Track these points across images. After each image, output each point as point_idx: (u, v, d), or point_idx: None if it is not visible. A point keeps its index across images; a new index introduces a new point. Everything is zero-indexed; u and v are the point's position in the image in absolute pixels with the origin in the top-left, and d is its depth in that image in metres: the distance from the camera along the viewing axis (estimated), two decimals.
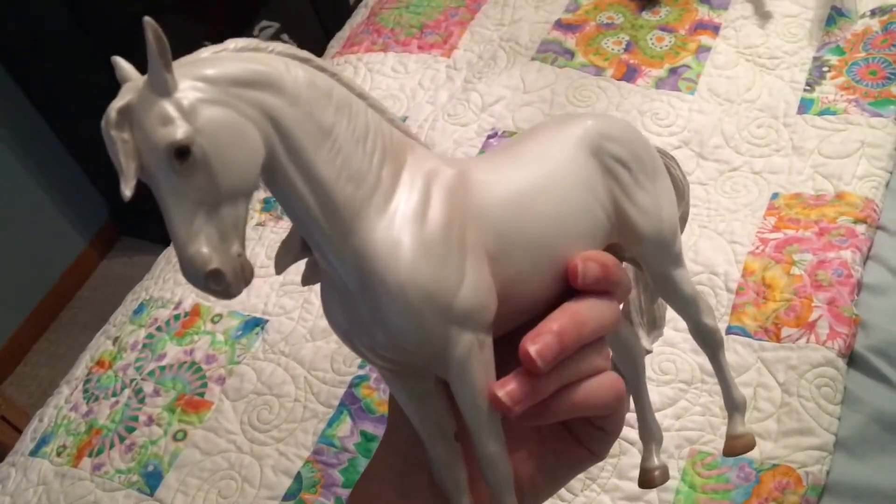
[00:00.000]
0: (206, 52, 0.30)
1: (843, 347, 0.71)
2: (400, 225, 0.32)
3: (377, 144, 0.33)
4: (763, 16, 1.01)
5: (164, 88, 0.28)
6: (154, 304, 0.94)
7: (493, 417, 0.33)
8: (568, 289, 0.35)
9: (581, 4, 1.11)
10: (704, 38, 1.01)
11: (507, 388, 0.32)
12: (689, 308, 0.43)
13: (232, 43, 0.30)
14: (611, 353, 0.37)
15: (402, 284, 0.31)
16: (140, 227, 1.99)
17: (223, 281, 0.29)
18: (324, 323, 0.84)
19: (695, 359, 0.74)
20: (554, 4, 1.12)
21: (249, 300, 0.89)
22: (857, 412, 0.69)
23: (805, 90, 0.93)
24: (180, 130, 0.28)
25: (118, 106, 0.28)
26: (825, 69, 0.94)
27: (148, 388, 0.86)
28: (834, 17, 0.99)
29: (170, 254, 1.01)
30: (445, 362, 0.33)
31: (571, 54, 1.04)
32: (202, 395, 0.83)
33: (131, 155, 0.28)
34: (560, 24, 1.09)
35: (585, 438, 0.38)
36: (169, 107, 0.28)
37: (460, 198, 0.33)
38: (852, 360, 0.71)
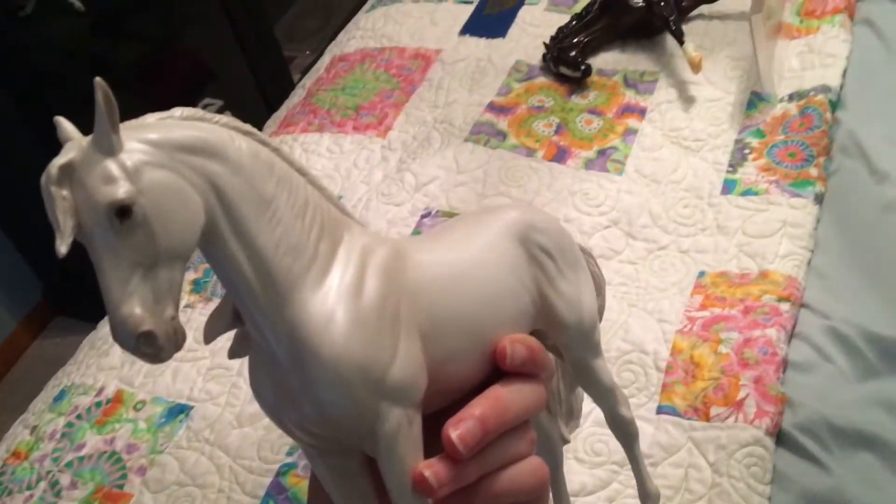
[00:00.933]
0: (151, 118, 0.31)
1: (770, 426, 0.71)
2: (335, 299, 0.32)
3: (315, 219, 0.33)
4: (686, 100, 1.05)
5: (109, 148, 0.28)
6: (75, 390, 0.90)
7: (421, 498, 0.33)
8: (496, 370, 0.36)
9: (513, 88, 1.13)
10: (631, 121, 1.04)
11: (433, 469, 0.32)
12: (607, 398, 0.44)
13: (178, 111, 0.31)
14: (535, 437, 0.37)
15: (335, 357, 0.31)
16: (75, 305, 1.94)
17: (155, 343, 0.28)
18: (252, 408, 0.82)
19: None
20: (487, 88, 1.14)
21: (175, 385, 0.87)
22: (786, 491, 0.69)
23: (728, 171, 0.95)
24: (122, 189, 0.28)
25: (60, 163, 0.28)
26: (747, 151, 0.97)
27: (65, 480, 0.82)
28: (754, 101, 1.02)
29: (94, 338, 0.98)
30: (374, 438, 0.33)
31: (504, 136, 1.06)
32: (121, 486, 0.80)
33: (69, 212, 0.28)
34: (493, 107, 1.11)
35: None
36: (113, 166, 0.28)
37: (394, 275, 0.34)
38: (780, 438, 0.72)
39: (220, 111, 2.03)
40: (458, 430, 0.33)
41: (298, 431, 0.34)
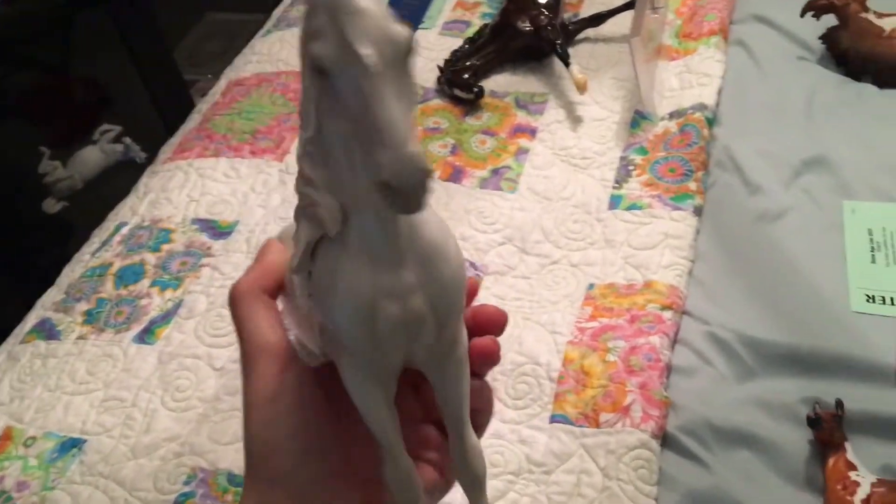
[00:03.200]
0: None
1: (655, 429, 0.75)
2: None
3: None
4: (574, 120, 1.09)
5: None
6: None
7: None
8: None
9: None
10: (523, 141, 1.07)
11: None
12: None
13: None
14: None
15: (459, 263, 0.37)
16: None
17: (431, 184, 0.30)
18: (147, 439, 0.81)
19: (521, 449, 0.76)
20: None
21: (66, 419, 0.84)
22: (672, 491, 0.72)
23: (614, 187, 0.99)
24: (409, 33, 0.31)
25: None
26: (631, 168, 1.01)
27: None
28: (637, 120, 1.07)
29: None
30: (452, 346, 0.39)
31: None
32: None
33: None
34: None
35: None
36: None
37: None
38: (665, 440, 0.75)
39: (118, 137, 1.99)
40: None
41: (389, 329, 0.36)
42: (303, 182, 0.37)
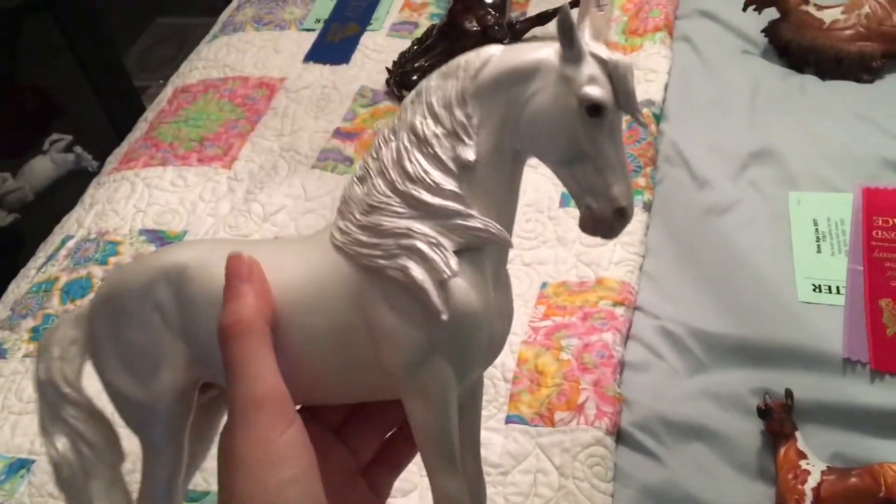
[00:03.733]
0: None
1: (609, 426, 0.75)
2: None
3: None
4: None
5: (580, 57, 0.38)
6: None
7: None
8: None
9: (358, 113, 1.15)
10: None
11: None
12: None
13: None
14: None
15: None
16: None
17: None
18: None
19: None
20: (332, 114, 1.15)
21: (14, 440, 0.82)
22: (628, 487, 0.72)
23: None
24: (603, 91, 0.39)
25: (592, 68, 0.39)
26: None
27: None
28: None
29: None
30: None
31: (351, 161, 1.08)
32: None
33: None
34: (339, 133, 1.12)
35: None
36: (593, 71, 0.39)
37: None
38: (619, 437, 0.76)
39: (69, 146, 1.95)
40: None
41: (496, 344, 0.42)
42: (419, 211, 0.39)
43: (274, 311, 0.40)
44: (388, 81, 1.17)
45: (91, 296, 0.96)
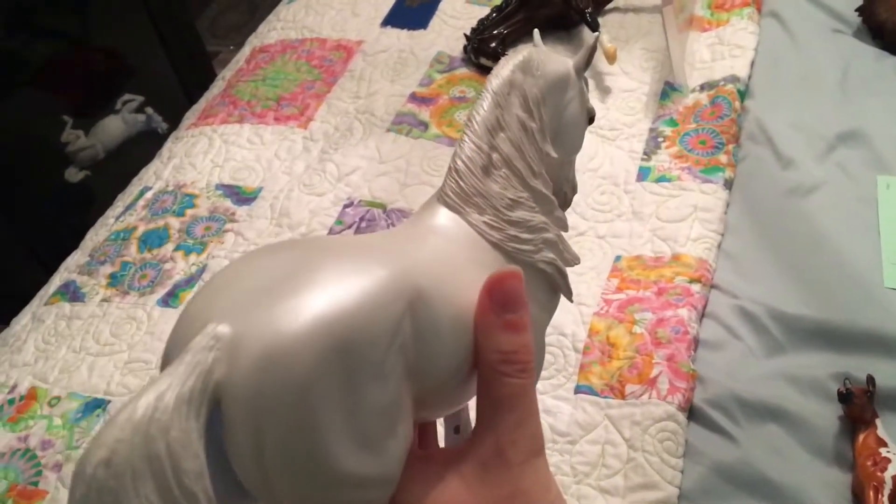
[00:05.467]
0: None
1: (682, 402, 0.74)
2: None
3: None
4: (603, 90, 1.07)
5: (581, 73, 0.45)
6: None
7: None
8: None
9: (434, 79, 1.14)
10: None
11: None
12: None
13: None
14: None
15: None
16: None
17: None
18: None
19: (545, 419, 0.75)
20: (409, 79, 1.15)
21: (91, 380, 0.85)
22: (698, 464, 0.71)
23: (643, 159, 0.98)
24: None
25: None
26: (660, 139, 1.00)
27: None
28: (667, 91, 1.06)
29: (6, 335, 0.95)
30: None
31: (425, 126, 1.07)
32: (36, 483, 0.78)
33: None
34: (414, 97, 1.11)
35: None
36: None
37: None
38: (691, 413, 0.74)
39: (140, 107, 1.99)
40: None
41: None
42: (545, 206, 0.42)
43: None
44: (465, 48, 1.16)
45: (169, 246, 0.97)
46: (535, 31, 0.48)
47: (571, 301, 0.44)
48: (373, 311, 0.30)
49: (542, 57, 0.42)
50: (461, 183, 0.39)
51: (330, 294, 0.30)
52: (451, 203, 0.39)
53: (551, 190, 0.42)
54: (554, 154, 0.42)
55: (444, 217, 0.39)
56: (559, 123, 0.43)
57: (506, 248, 0.39)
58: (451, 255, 0.37)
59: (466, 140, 0.40)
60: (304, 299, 0.29)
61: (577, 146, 0.45)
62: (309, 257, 0.32)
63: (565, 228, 0.44)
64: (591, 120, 0.46)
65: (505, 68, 0.42)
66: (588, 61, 0.44)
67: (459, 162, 0.40)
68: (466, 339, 0.35)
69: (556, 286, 0.43)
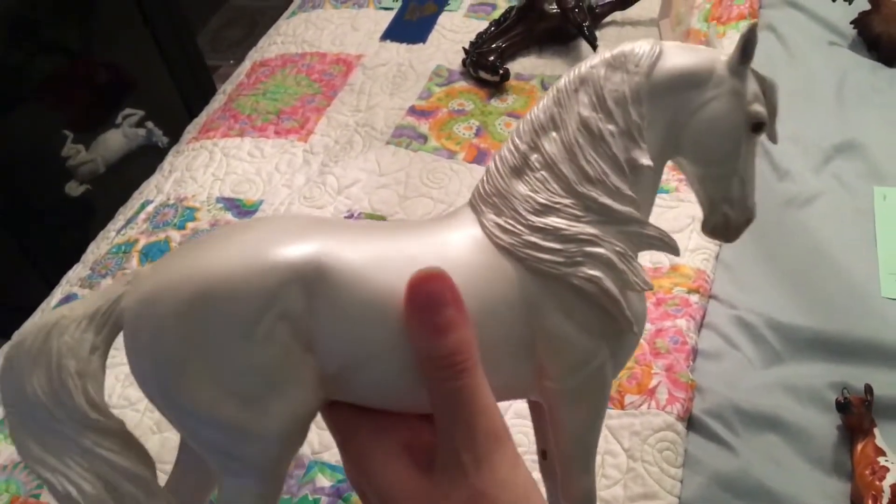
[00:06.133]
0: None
1: (681, 412, 0.74)
2: None
3: None
4: None
5: (744, 75, 0.40)
6: None
7: None
8: None
9: (434, 92, 1.15)
10: None
11: None
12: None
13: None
14: None
15: None
16: None
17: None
18: None
19: None
20: (408, 92, 1.16)
21: None
22: (697, 474, 0.71)
23: None
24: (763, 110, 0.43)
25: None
26: None
27: None
28: None
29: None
30: None
31: (425, 139, 1.08)
32: (38, 496, 0.78)
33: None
34: (414, 111, 1.12)
35: None
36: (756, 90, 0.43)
37: None
38: (690, 423, 0.75)
39: (140, 121, 2.00)
40: None
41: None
42: (599, 215, 0.38)
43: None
44: (464, 62, 1.17)
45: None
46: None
47: (631, 330, 0.38)
48: (240, 273, 0.34)
49: (662, 50, 0.38)
50: (485, 182, 0.39)
51: (208, 255, 0.35)
52: (472, 202, 0.39)
53: (631, 202, 0.37)
54: (644, 161, 0.37)
55: (463, 215, 0.39)
56: (686, 126, 0.38)
57: (518, 255, 0.37)
58: (419, 251, 0.37)
59: (508, 139, 0.39)
60: (192, 256, 0.36)
61: (724, 155, 0.39)
62: (236, 229, 0.38)
63: (669, 249, 0.39)
64: (757, 127, 0.39)
65: (586, 62, 0.39)
66: (744, 54, 0.38)
67: (492, 161, 0.39)
68: (387, 330, 0.35)
69: (608, 307, 0.38)
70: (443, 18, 1.28)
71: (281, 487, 0.39)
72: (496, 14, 1.24)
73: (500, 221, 0.37)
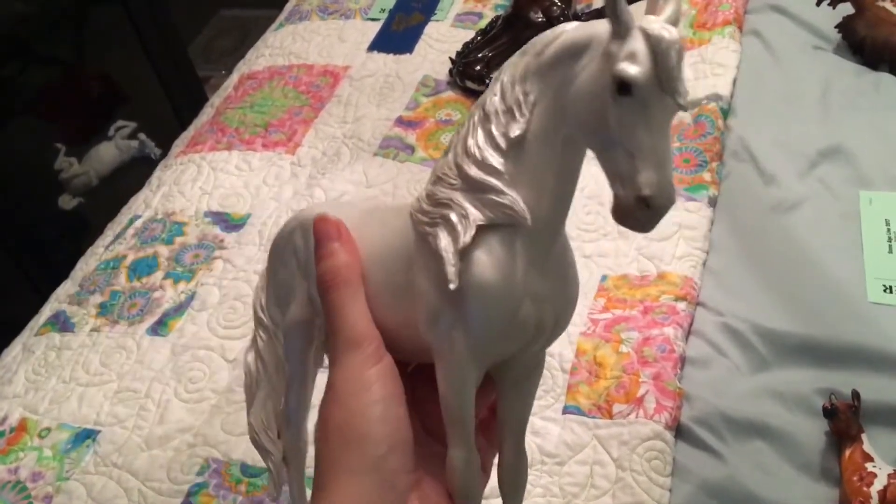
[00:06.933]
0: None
1: (669, 420, 0.74)
2: None
3: None
4: None
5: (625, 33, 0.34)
6: None
7: None
8: None
9: (421, 103, 1.15)
10: None
11: None
12: None
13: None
14: None
15: (577, 277, 0.44)
16: None
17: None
18: (160, 430, 0.81)
19: (533, 440, 0.76)
20: (395, 103, 1.16)
21: (80, 410, 0.85)
22: (686, 482, 0.72)
23: None
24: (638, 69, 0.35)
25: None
26: None
27: None
28: None
29: None
30: (541, 361, 0.44)
31: (412, 149, 1.08)
32: None
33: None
34: (401, 121, 1.12)
35: None
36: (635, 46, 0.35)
37: None
38: (679, 431, 0.75)
39: (133, 133, 2.00)
40: None
41: (520, 326, 0.40)
42: (464, 183, 0.39)
43: (361, 265, 0.44)
44: (451, 71, 1.17)
45: (159, 274, 0.98)
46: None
47: (449, 286, 0.38)
48: (283, 225, 0.52)
49: (564, 30, 0.37)
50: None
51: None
52: None
53: (494, 172, 0.38)
54: (514, 133, 0.38)
55: None
56: (567, 98, 0.37)
57: (412, 217, 0.41)
58: (371, 210, 0.48)
59: None
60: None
61: (593, 125, 0.36)
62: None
63: (515, 218, 0.38)
64: (623, 88, 0.34)
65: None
66: (611, 11, 0.34)
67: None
68: None
69: (438, 263, 0.39)
70: (429, 28, 1.29)
71: (305, 385, 0.53)
72: (482, 23, 1.24)
73: (419, 192, 0.42)
